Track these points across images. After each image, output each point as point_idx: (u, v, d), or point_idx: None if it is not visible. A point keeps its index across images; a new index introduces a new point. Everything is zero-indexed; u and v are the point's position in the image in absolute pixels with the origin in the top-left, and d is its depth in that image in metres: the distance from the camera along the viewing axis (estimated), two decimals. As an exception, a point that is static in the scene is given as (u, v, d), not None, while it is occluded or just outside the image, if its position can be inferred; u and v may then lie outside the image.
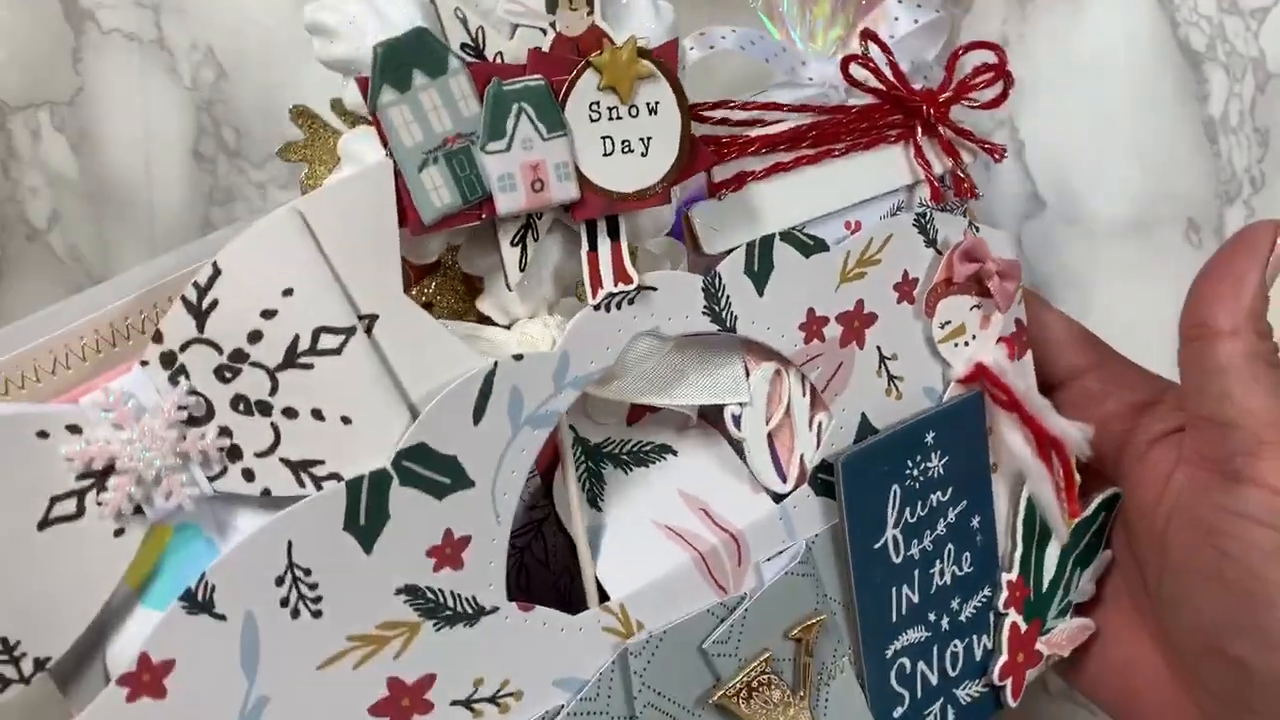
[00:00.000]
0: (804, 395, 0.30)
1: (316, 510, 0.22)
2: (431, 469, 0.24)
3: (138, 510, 0.22)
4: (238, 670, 0.22)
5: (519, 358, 0.24)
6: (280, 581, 0.22)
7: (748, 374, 0.29)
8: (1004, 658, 0.34)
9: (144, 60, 0.37)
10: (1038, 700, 0.47)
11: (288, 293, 0.22)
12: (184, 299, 0.22)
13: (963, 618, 0.33)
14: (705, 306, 0.27)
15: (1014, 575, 0.34)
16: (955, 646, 0.33)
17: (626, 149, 0.25)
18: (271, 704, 0.22)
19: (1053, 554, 0.35)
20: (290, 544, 0.22)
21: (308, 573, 0.22)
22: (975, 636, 0.34)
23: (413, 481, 0.23)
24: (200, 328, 0.22)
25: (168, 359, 0.22)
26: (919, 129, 0.32)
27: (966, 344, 0.33)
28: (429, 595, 0.24)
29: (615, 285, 0.25)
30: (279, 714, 0.22)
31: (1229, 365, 0.30)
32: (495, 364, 0.24)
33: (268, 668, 0.22)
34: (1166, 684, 0.34)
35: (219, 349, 0.22)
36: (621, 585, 0.27)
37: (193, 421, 0.22)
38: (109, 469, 0.21)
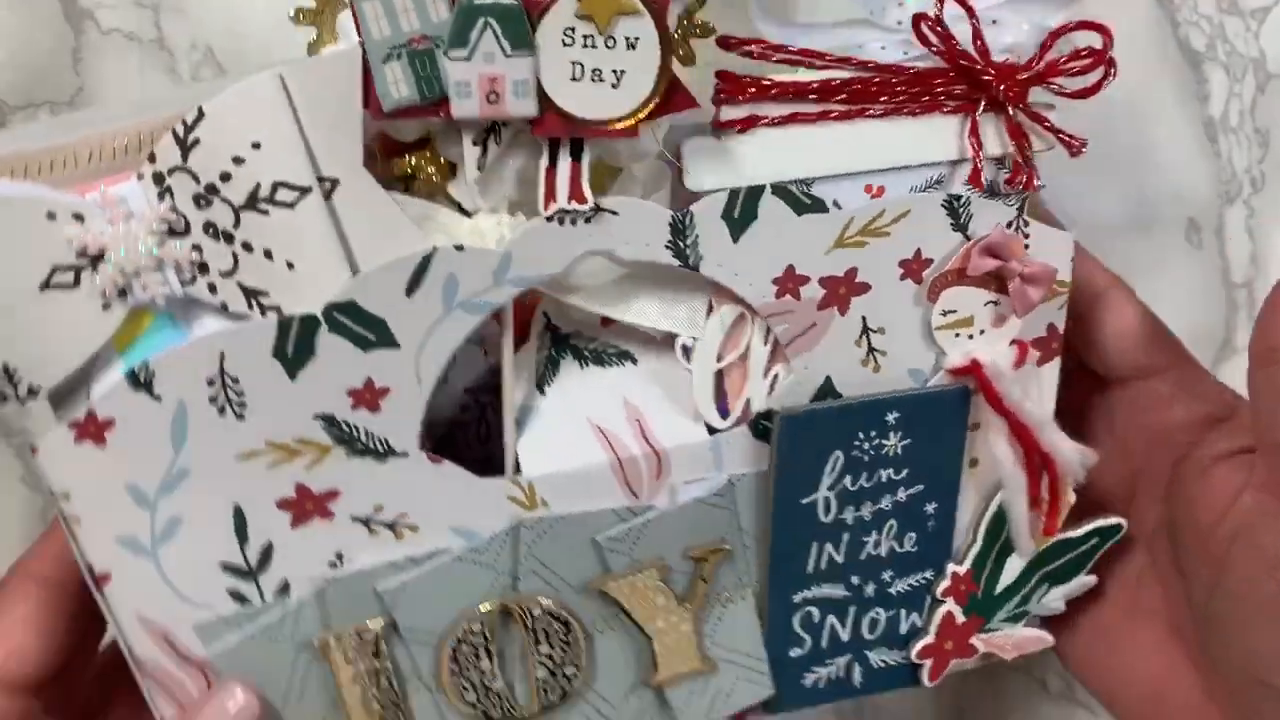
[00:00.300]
0: (765, 345, 0.30)
1: (249, 334, 0.26)
2: (360, 325, 0.27)
3: (123, 293, 0.27)
4: (166, 443, 0.27)
5: (460, 248, 0.27)
6: (211, 383, 0.26)
7: (710, 310, 0.30)
8: (929, 639, 0.34)
9: (144, 60, 0.37)
10: (1038, 700, 0.47)
11: (256, 145, 0.25)
12: (173, 131, 0.25)
13: (893, 591, 0.34)
14: (670, 241, 0.28)
15: (963, 569, 0.34)
16: (877, 614, 0.34)
17: (597, 78, 0.25)
18: (191, 476, 0.27)
19: (1016, 563, 0.34)
20: (223, 355, 0.26)
21: (235, 381, 0.27)
22: (904, 611, 0.34)
23: (340, 331, 0.27)
24: (184, 159, 0.25)
25: (158, 178, 0.26)
26: (983, 104, 0.30)
27: (970, 337, 0.31)
28: (344, 427, 0.28)
29: (569, 203, 0.27)
30: (196, 484, 0.27)
31: None
32: (435, 249, 0.26)
33: (193, 446, 0.27)
34: (1197, 705, 0.33)
35: (197, 180, 0.26)
36: (537, 465, 0.30)
37: (172, 234, 0.26)
38: (100, 255, 0.26)
